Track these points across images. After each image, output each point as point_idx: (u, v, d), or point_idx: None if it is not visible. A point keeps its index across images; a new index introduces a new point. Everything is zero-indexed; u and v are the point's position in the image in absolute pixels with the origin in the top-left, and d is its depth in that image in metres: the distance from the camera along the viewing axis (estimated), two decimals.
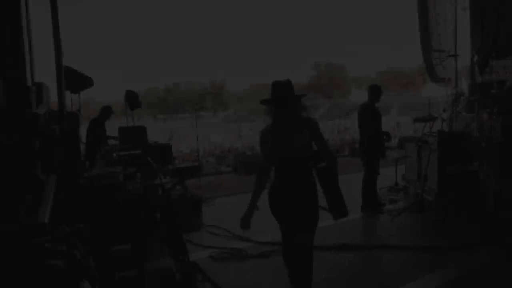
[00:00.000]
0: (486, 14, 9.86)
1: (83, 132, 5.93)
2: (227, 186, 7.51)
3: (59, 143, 3.32)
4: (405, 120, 25.60)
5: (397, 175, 6.49)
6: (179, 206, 5.23)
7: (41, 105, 3.55)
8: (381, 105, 5.47)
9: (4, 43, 3.23)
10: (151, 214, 3.78)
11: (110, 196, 3.49)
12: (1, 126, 2.87)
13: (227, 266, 3.73)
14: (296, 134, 2.50)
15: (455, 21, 13.19)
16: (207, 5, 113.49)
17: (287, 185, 2.57)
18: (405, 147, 6.36)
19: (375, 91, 5.30)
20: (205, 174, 8.96)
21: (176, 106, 79.17)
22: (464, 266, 3.43)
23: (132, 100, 7.02)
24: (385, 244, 4.00)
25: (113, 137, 5.78)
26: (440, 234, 4.24)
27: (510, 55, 6.58)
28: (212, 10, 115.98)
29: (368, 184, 5.25)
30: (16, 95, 3.18)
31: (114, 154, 5.04)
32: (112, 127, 6.53)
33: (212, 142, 24.28)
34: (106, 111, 6.25)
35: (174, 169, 8.77)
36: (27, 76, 3.42)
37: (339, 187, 2.62)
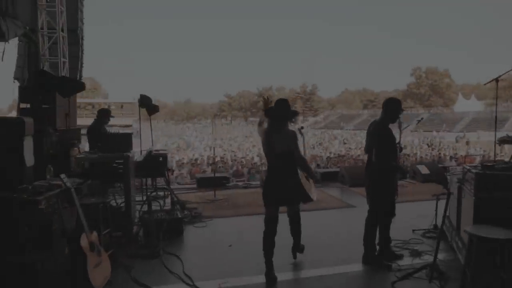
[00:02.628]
0: None
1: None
2: (242, 203, 6.71)
3: None
4: None
5: (438, 214, 4.91)
6: (154, 226, 4.69)
7: None
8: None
9: None
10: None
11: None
12: None
13: None
14: (280, 140, 3.45)
15: None
16: (305, 11, 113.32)
17: (274, 176, 3.54)
18: (450, 180, 4.77)
19: (390, 107, 3.96)
20: (232, 187, 8.32)
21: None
22: None
23: (147, 105, 6.77)
24: None
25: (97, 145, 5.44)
26: None
27: None
28: (309, 16, 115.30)
29: (371, 228, 3.96)
30: None
31: (83, 163, 4.74)
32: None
33: None
34: (104, 114, 6.02)
35: (199, 179, 8.36)
36: None
37: (301, 183, 3.55)
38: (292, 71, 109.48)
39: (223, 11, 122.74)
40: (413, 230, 4.97)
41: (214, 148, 14.32)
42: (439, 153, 18.63)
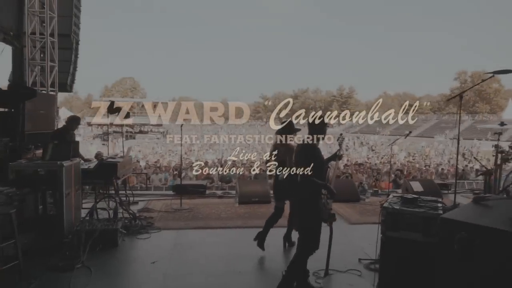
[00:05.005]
0: None
1: None
2: (203, 215, 6.40)
3: None
4: None
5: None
6: (82, 236, 4.62)
7: None
8: None
9: None
10: None
11: None
12: None
13: None
14: (282, 151, 4.62)
15: None
16: (343, 14, 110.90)
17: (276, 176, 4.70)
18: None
19: (315, 124, 3.61)
20: (209, 196, 8.11)
21: (300, 112, 79.55)
22: None
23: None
24: None
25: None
26: None
27: None
28: (347, 19, 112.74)
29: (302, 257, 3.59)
30: None
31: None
32: None
33: None
34: (73, 121, 6.08)
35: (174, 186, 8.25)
36: None
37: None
38: (329, 72, 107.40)
39: (261, 10, 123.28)
40: (360, 260, 4.48)
41: (224, 151, 14.19)
42: (466, 165, 17.23)
